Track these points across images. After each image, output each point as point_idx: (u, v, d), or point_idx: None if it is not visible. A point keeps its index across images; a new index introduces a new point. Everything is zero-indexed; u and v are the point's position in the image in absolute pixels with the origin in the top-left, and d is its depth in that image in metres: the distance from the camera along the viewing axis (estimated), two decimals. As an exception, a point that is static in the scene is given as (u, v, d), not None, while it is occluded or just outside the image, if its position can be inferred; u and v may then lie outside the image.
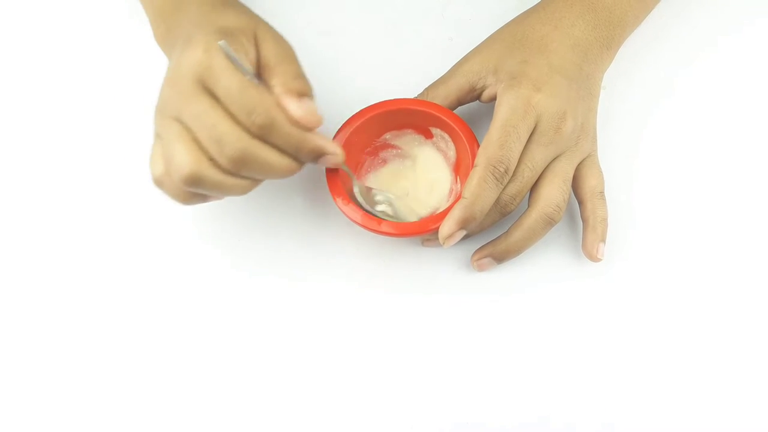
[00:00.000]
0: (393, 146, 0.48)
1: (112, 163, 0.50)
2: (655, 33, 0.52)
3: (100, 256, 0.48)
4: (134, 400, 0.44)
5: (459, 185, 0.46)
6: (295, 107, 0.36)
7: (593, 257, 0.45)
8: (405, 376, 0.44)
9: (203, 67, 0.35)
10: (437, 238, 0.41)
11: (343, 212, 0.43)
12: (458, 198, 0.41)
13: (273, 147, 0.37)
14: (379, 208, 0.45)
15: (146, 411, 0.44)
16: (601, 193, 0.45)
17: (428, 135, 0.47)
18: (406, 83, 0.48)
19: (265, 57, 0.38)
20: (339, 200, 0.43)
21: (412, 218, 0.45)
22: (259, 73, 0.38)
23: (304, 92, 0.37)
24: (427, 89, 0.46)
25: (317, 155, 0.38)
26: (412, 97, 0.46)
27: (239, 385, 0.44)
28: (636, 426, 0.43)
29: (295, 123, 0.36)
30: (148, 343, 0.46)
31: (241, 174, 0.37)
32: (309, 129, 0.37)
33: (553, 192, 0.43)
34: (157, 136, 0.38)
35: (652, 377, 0.44)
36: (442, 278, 0.46)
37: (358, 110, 0.45)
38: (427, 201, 0.46)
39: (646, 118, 0.50)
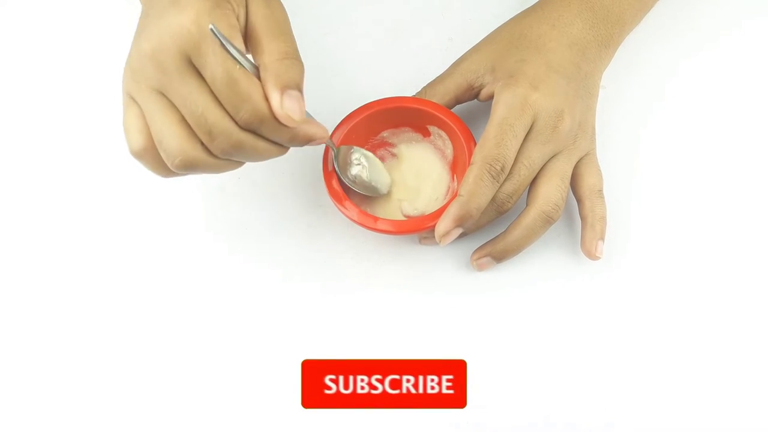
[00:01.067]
0: (390, 144, 0.48)
1: (99, 152, 0.50)
2: (655, 32, 0.52)
3: (95, 253, 0.48)
4: (127, 392, 0.45)
5: (456, 183, 0.46)
6: (276, 104, 0.34)
7: (592, 255, 0.44)
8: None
9: (191, 45, 0.33)
10: (434, 236, 0.42)
11: (340, 210, 0.43)
12: (455, 196, 0.41)
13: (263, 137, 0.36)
14: (354, 171, 0.44)
15: (138, 401, 0.45)
16: (600, 191, 0.45)
17: (426, 133, 0.47)
18: (406, 83, 0.48)
19: (252, 24, 0.36)
20: (336, 198, 0.43)
21: (387, 187, 0.46)
22: (247, 45, 0.36)
23: (290, 80, 0.35)
24: (425, 88, 0.46)
25: (307, 142, 0.37)
26: (410, 95, 0.46)
27: (235, 380, 0.44)
28: (636, 426, 0.43)
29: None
30: (141, 338, 0.46)
31: (233, 159, 0.36)
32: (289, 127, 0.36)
33: (552, 190, 0.43)
34: (131, 99, 0.36)
35: (652, 376, 0.44)
36: (441, 277, 0.46)
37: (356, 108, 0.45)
38: (424, 199, 0.46)
39: (645, 117, 0.50)
